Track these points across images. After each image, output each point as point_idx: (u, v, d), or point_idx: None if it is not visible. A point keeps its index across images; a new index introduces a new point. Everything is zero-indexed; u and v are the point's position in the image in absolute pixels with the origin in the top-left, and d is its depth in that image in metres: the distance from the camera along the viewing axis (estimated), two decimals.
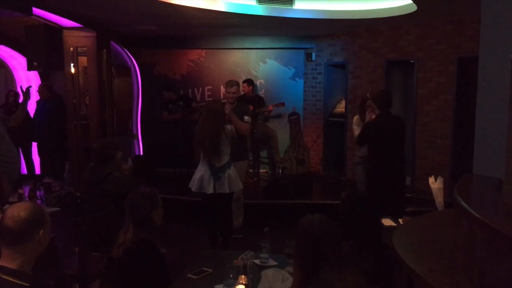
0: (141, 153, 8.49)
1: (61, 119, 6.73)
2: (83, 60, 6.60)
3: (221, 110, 4.65)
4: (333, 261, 1.91)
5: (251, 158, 6.86)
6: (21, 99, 5.39)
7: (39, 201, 4.44)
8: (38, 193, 4.52)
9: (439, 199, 3.67)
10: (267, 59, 8.39)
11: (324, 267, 1.90)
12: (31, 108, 6.94)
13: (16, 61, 7.47)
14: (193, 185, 4.70)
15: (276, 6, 5.90)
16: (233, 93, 5.28)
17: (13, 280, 1.81)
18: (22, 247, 1.86)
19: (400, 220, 3.72)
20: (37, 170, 7.37)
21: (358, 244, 2.45)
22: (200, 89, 8.42)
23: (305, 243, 1.95)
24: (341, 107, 7.91)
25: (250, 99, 7.12)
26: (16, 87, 7.42)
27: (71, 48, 6.35)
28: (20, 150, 6.70)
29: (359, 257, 2.35)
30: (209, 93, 8.39)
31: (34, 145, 7.30)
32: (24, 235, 1.86)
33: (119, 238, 2.56)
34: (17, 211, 1.88)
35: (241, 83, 7.25)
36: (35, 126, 6.96)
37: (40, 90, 7.02)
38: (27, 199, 4.21)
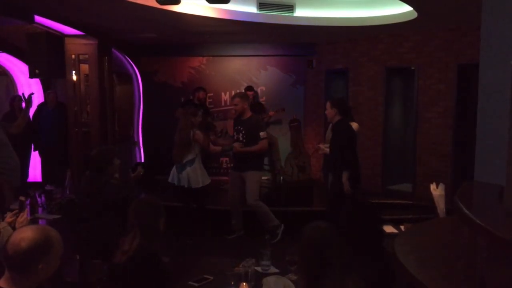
0: (142, 160, 8.49)
1: (65, 126, 6.74)
2: (84, 67, 6.63)
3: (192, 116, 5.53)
4: (337, 268, 1.91)
5: None
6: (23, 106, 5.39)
7: (40, 209, 4.45)
8: (39, 200, 4.52)
9: (440, 206, 3.66)
10: (268, 66, 8.41)
11: (328, 274, 1.90)
12: (31, 114, 6.91)
13: (18, 69, 7.48)
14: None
15: (276, 13, 5.93)
16: (235, 105, 5.48)
17: None
18: (20, 277, 1.80)
19: (402, 227, 3.72)
20: (31, 177, 7.37)
21: (359, 251, 2.45)
22: None
23: (310, 250, 1.96)
24: None
25: (250, 105, 7.12)
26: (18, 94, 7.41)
27: (73, 56, 6.38)
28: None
29: (360, 264, 2.35)
30: (210, 100, 8.41)
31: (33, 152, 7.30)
32: (22, 266, 1.79)
33: (124, 245, 2.54)
34: (19, 239, 1.79)
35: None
36: (40, 134, 6.93)
37: (51, 98, 7.01)
38: (28, 207, 4.20)
